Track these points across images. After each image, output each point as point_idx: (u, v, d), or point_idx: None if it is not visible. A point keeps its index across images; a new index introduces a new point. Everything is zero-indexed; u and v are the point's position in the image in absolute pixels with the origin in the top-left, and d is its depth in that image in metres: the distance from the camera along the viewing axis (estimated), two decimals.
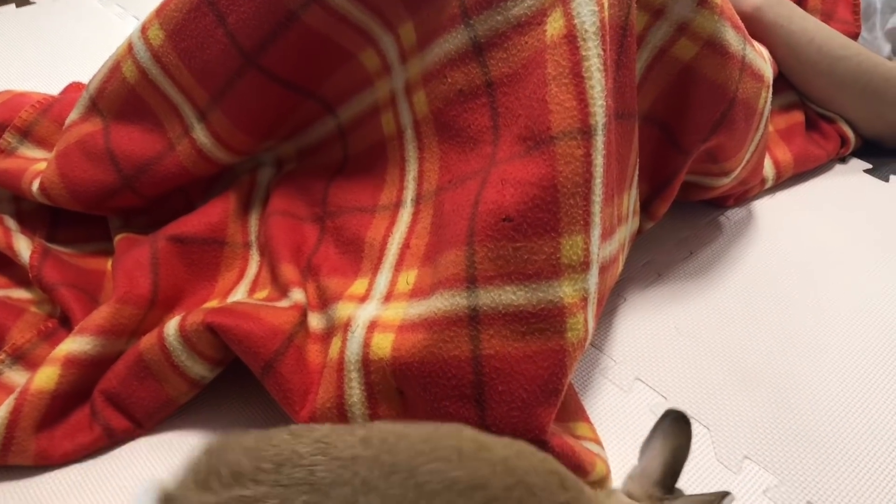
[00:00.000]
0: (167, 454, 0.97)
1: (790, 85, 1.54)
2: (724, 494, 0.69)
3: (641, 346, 1.13)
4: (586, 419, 0.98)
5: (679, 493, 0.73)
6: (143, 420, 0.99)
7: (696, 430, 1.00)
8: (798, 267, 1.28)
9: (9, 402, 0.95)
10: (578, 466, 0.85)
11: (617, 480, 0.91)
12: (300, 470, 0.61)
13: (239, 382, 1.03)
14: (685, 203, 1.34)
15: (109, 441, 0.98)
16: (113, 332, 0.99)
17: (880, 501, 0.92)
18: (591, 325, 0.88)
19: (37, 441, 0.95)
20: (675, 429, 0.72)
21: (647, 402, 1.04)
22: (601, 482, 0.89)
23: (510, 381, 0.83)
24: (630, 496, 0.72)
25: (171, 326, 0.97)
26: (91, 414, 0.98)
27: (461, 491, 0.62)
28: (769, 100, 1.19)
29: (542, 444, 0.82)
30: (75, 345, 0.98)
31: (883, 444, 0.99)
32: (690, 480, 0.94)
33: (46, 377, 0.96)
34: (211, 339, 0.95)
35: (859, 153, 1.56)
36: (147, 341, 0.98)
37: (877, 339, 1.14)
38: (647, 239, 1.29)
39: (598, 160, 0.84)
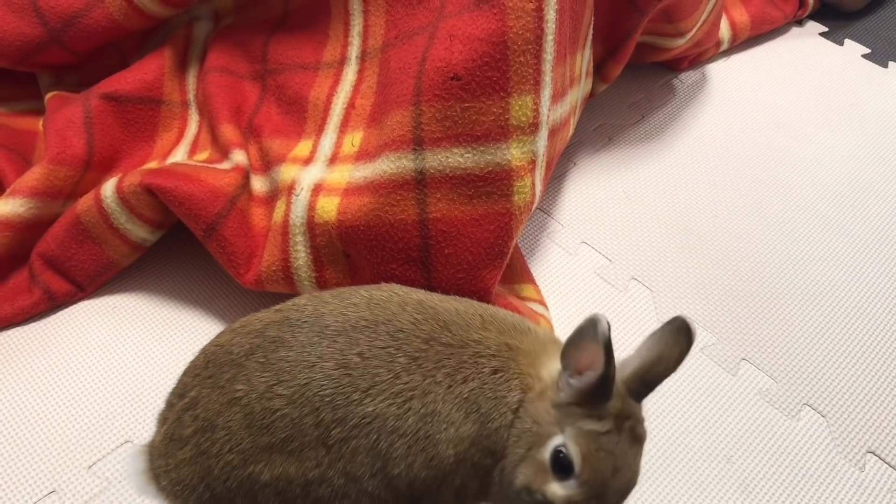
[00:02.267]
0: (111, 318, 0.96)
1: None
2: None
3: (589, 210, 1.13)
4: (532, 281, 1.00)
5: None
6: (85, 283, 0.97)
7: (639, 290, 1.02)
8: (748, 130, 1.28)
9: None
10: None
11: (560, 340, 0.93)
12: (222, 356, 0.64)
13: (184, 246, 1.01)
14: (639, 66, 1.32)
15: (51, 304, 0.96)
16: (47, 193, 0.96)
17: (809, 355, 0.97)
18: (539, 188, 0.88)
19: None
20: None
21: (592, 265, 1.06)
22: None
23: (456, 243, 0.83)
24: None
25: (109, 188, 0.94)
26: (30, 277, 0.96)
27: (364, 327, 0.64)
28: None
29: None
30: (8, 207, 0.94)
31: (814, 304, 1.03)
32: (636, 339, 0.97)
33: None
34: (150, 200, 0.93)
35: (816, 16, 1.53)
36: (84, 203, 0.95)
37: (821, 201, 1.16)
38: (599, 102, 1.27)
39: (551, 15, 0.80)
